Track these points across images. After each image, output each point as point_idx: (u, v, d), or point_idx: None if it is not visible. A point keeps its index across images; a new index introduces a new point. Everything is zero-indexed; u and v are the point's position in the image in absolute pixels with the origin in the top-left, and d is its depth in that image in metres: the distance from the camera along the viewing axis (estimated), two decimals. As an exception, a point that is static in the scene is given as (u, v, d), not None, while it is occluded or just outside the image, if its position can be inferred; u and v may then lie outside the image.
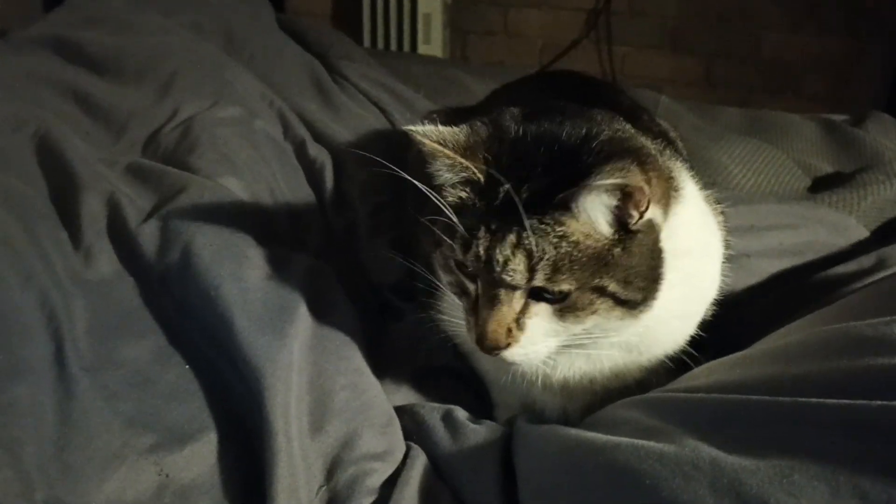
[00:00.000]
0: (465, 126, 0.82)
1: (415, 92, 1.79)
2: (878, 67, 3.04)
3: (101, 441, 0.80)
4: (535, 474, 0.77)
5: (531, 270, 0.75)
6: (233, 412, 0.86)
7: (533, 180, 0.76)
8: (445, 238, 0.79)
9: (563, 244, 0.74)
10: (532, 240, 0.74)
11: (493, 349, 0.78)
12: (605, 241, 0.76)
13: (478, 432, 0.88)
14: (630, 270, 0.77)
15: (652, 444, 0.67)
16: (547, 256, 0.74)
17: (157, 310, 0.98)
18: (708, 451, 0.63)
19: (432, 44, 3.47)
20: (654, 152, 0.84)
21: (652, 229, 0.79)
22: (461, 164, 0.78)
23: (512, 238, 0.75)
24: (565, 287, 0.75)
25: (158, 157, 1.32)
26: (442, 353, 1.05)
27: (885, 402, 0.59)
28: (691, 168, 1.01)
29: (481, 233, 0.76)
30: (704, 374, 0.83)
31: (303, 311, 0.94)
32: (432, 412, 0.93)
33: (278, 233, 1.18)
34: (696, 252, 0.86)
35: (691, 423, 0.69)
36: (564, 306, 0.77)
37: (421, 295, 1.07)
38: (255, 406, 0.82)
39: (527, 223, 0.74)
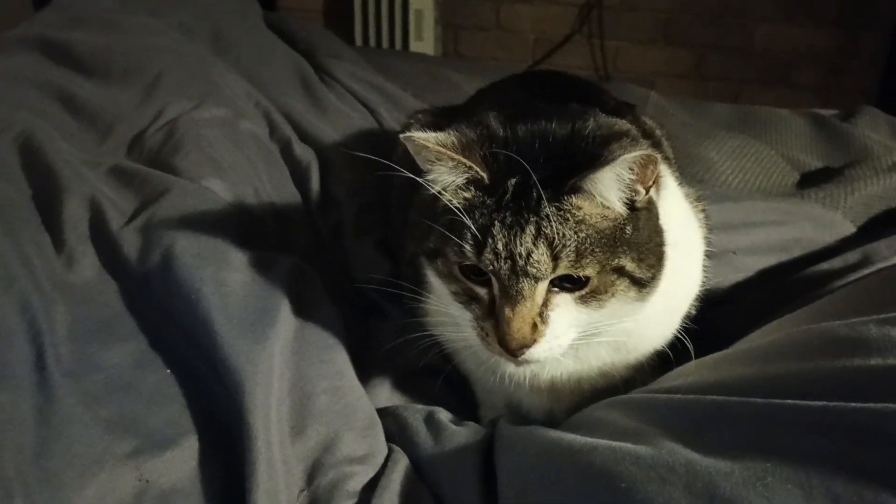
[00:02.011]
0: (451, 131, 0.81)
1: (402, 90, 1.79)
2: (870, 59, 3.05)
3: (81, 447, 0.80)
4: (515, 476, 0.77)
5: (555, 259, 0.74)
6: (213, 416, 0.86)
7: (537, 172, 0.75)
8: (454, 239, 0.77)
9: (583, 228, 0.75)
10: (554, 227, 0.74)
11: (519, 348, 0.77)
12: (619, 221, 0.77)
13: (459, 434, 0.88)
14: (642, 248, 0.78)
15: (629, 446, 0.67)
16: (569, 243, 0.74)
17: (139, 313, 0.98)
18: (684, 453, 0.63)
19: (424, 40, 3.45)
20: (638, 134, 0.85)
21: (653, 206, 0.80)
22: (465, 164, 0.78)
23: (531, 229, 0.74)
24: (590, 271, 0.75)
25: (143, 158, 1.32)
26: (426, 354, 1.04)
27: (859, 405, 0.59)
28: (674, 167, 1.01)
29: (497, 229, 0.75)
30: (685, 374, 0.83)
31: (284, 313, 0.94)
32: (415, 414, 0.92)
33: (263, 234, 1.18)
34: (680, 245, 0.86)
35: (669, 424, 0.69)
36: (586, 292, 0.77)
37: (406, 296, 1.07)
38: (236, 410, 0.82)
39: (549, 210, 0.74)
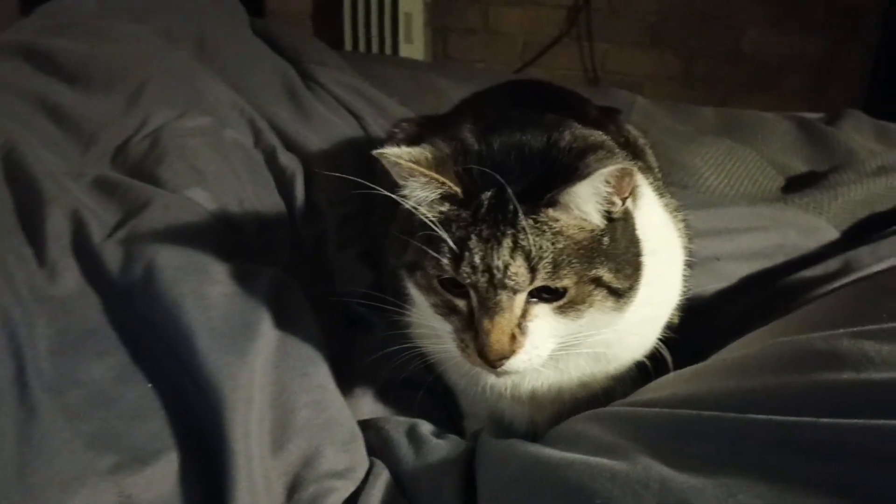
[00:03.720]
0: (426, 146, 0.82)
1: (388, 97, 1.79)
2: (857, 63, 3.07)
3: (62, 462, 0.80)
4: (495, 491, 0.77)
5: (532, 271, 0.75)
6: (194, 431, 0.86)
7: (512, 184, 0.76)
8: (431, 253, 0.78)
9: (560, 240, 0.75)
10: (531, 239, 0.74)
11: (499, 359, 0.77)
12: (596, 232, 0.78)
13: (440, 447, 0.88)
14: (619, 258, 0.79)
15: (605, 461, 0.67)
16: (546, 254, 0.75)
17: (121, 326, 0.98)
18: (658, 468, 0.64)
19: (414, 43, 3.46)
20: (614, 145, 0.86)
21: (629, 216, 0.81)
22: (437, 180, 0.78)
23: (508, 242, 0.75)
24: (567, 282, 0.76)
25: (127, 168, 1.31)
26: (411, 365, 1.04)
27: (830, 420, 0.59)
28: (653, 177, 1.01)
29: (473, 242, 0.76)
30: (663, 386, 0.84)
31: (266, 327, 0.94)
32: (397, 427, 0.93)
33: (245, 245, 1.17)
34: (659, 254, 0.87)
35: (645, 438, 0.70)
36: (564, 302, 0.77)
37: (389, 306, 1.07)
38: (216, 425, 0.82)
39: (525, 223, 0.74)
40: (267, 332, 0.93)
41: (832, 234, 1.41)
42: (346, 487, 0.83)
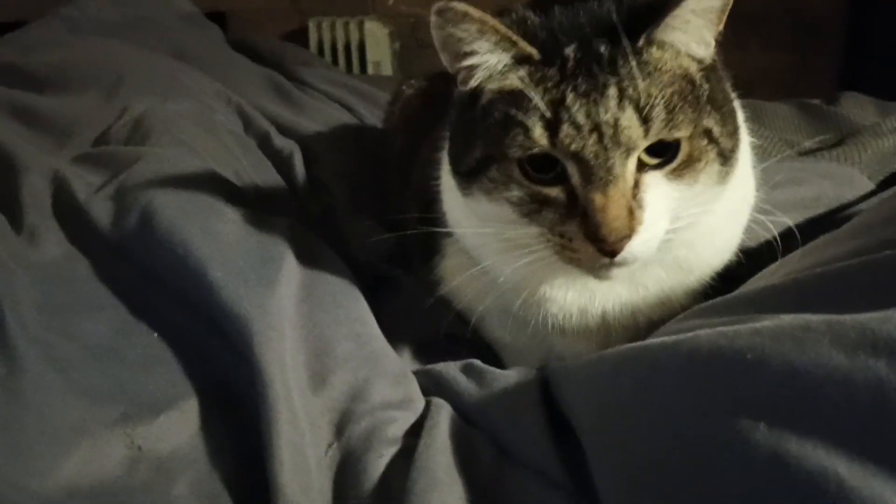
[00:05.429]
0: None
1: (379, 90, 1.69)
2: (822, 81, 3.09)
3: (56, 415, 0.66)
4: (591, 395, 0.63)
5: (646, 121, 0.63)
6: (214, 377, 0.73)
7: (597, 38, 0.66)
8: (515, 129, 0.65)
9: (667, 82, 0.65)
10: (639, 84, 0.63)
11: (619, 240, 0.64)
12: (699, 72, 0.68)
13: (507, 376, 0.75)
14: (721, 108, 0.68)
15: (740, 325, 0.55)
16: (657, 101, 0.64)
17: (116, 283, 0.84)
18: (812, 316, 0.52)
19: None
20: None
21: (717, 65, 0.72)
22: (510, 38, 0.67)
23: (613, 91, 0.63)
24: (684, 132, 0.65)
25: (109, 151, 1.19)
26: (442, 322, 0.91)
27: None
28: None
29: (570, 100, 0.64)
30: (763, 277, 0.73)
31: (289, 259, 0.81)
32: (448, 367, 0.79)
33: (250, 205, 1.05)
34: (742, 131, 0.76)
35: (778, 304, 0.58)
36: (679, 163, 0.66)
37: (414, 264, 0.95)
38: (244, 360, 0.69)
39: (633, 63, 0.64)
40: (291, 264, 0.81)
41: (868, 184, 1.33)
42: (407, 418, 0.69)
